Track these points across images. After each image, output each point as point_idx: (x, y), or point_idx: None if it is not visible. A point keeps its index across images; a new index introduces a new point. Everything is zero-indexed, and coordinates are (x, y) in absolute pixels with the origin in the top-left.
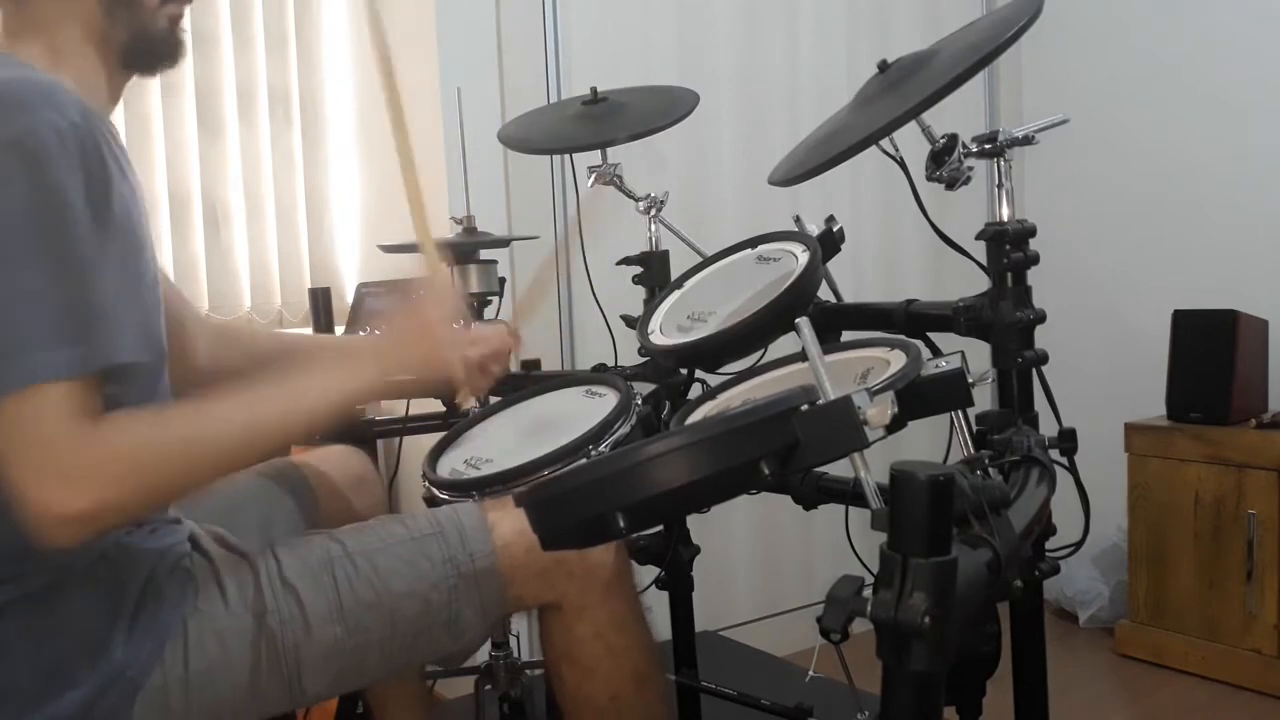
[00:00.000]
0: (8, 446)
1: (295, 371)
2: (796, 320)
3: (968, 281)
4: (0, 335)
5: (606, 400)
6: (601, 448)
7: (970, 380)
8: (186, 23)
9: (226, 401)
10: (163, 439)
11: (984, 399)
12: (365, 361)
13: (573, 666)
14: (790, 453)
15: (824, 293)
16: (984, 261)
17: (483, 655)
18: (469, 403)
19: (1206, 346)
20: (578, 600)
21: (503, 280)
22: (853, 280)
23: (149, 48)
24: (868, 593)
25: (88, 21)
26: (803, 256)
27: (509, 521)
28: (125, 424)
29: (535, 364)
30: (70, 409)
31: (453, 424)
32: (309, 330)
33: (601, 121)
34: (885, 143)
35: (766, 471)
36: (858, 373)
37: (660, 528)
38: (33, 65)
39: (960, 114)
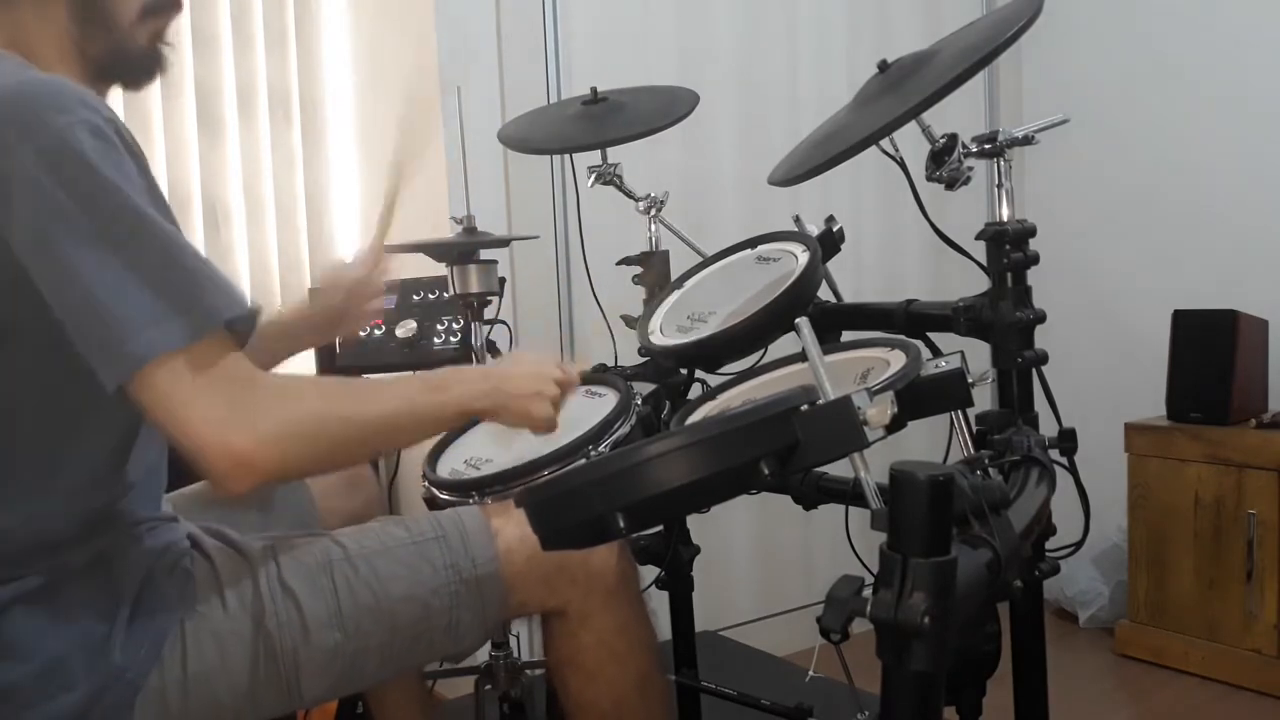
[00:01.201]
0: (163, 414)
1: (436, 374)
2: (796, 320)
3: (968, 281)
4: (113, 320)
5: (606, 400)
6: (601, 448)
7: (970, 380)
8: (184, 30)
9: (374, 390)
10: (325, 406)
11: (984, 399)
12: (483, 380)
13: (576, 672)
14: (790, 453)
15: (824, 293)
16: (984, 261)
17: (483, 655)
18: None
19: (1206, 346)
20: (581, 606)
21: (503, 280)
22: (853, 280)
23: (126, 64)
24: (868, 593)
25: (61, 35)
26: (803, 256)
27: (512, 527)
28: (296, 384)
29: None
30: (215, 362)
31: None
32: None
33: (601, 121)
34: (885, 143)
35: (766, 471)
36: (858, 373)
37: (660, 528)
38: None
39: (960, 114)
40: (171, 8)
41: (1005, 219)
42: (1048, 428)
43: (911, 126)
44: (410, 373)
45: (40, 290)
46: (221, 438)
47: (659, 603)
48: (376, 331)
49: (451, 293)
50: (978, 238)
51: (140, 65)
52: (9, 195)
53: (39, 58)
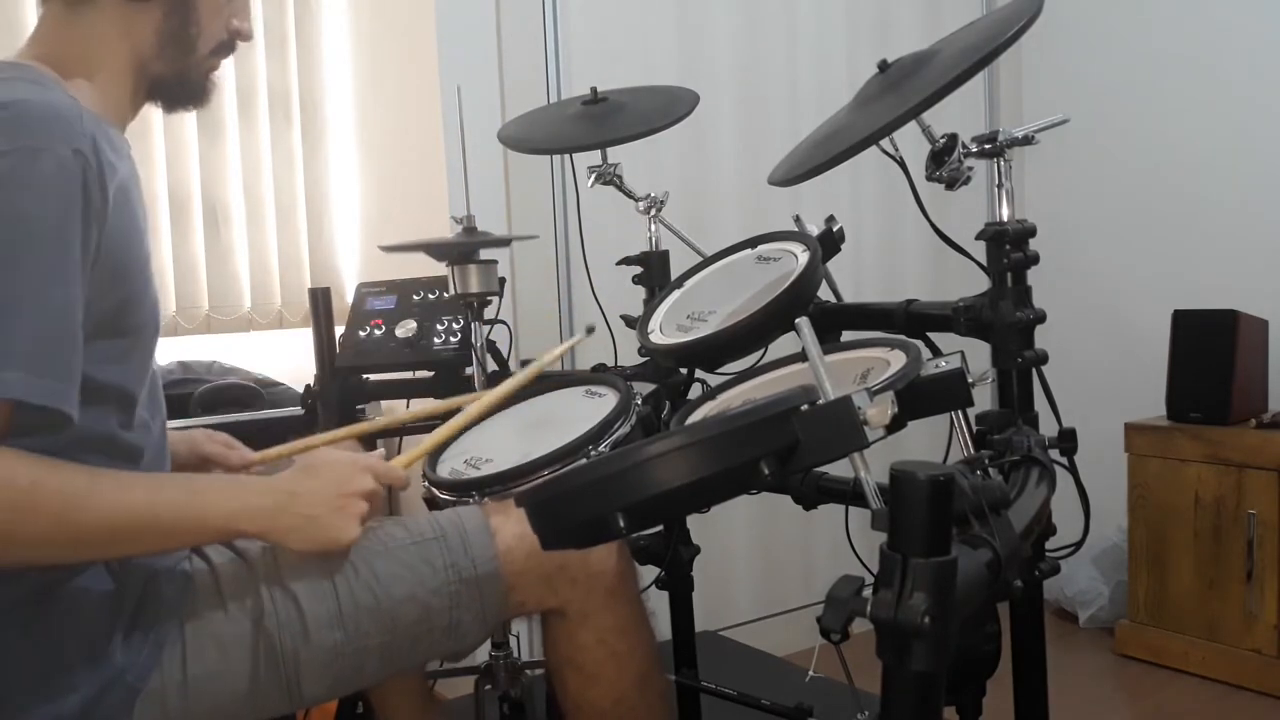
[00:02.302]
0: None
1: (205, 479)
2: (796, 320)
3: (968, 281)
4: None
5: (606, 400)
6: (601, 448)
7: (970, 380)
8: (222, 75)
9: (130, 478)
10: (55, 487)
11: (984, 399)
12: (265, 494)
13: (576, 672)
14: (790, 453)
15: (824, 293)
16: (984, 261)
17: (483, 655)
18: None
19: (1206, 346)
20: (581, 606)
21: (503, 280)
22: (853, 280)
23: (181, 89)
24: (868, 593)
25: (137, 49)
26: (803, 256)
27: (511, 526)
28: (18, 458)
29: None
30: None
31: None
32: (309, 330)
33: (601, 121)
34: (885, 143)
35: (766, 471)
36: (858, 373)
37: (660, 528)
38: (55, 80)
39: (960, 114)
40: (233, 49)
41: (1005, 219)
42: (1048, 428)
43: (911, 126)
44: (182, 476)
45: None
46: None
47: (659, 603)
48: (376, 331)
49: (451, 293)
50: (978, 238)
51: (192, 93)
52: None
53: (94, 63)
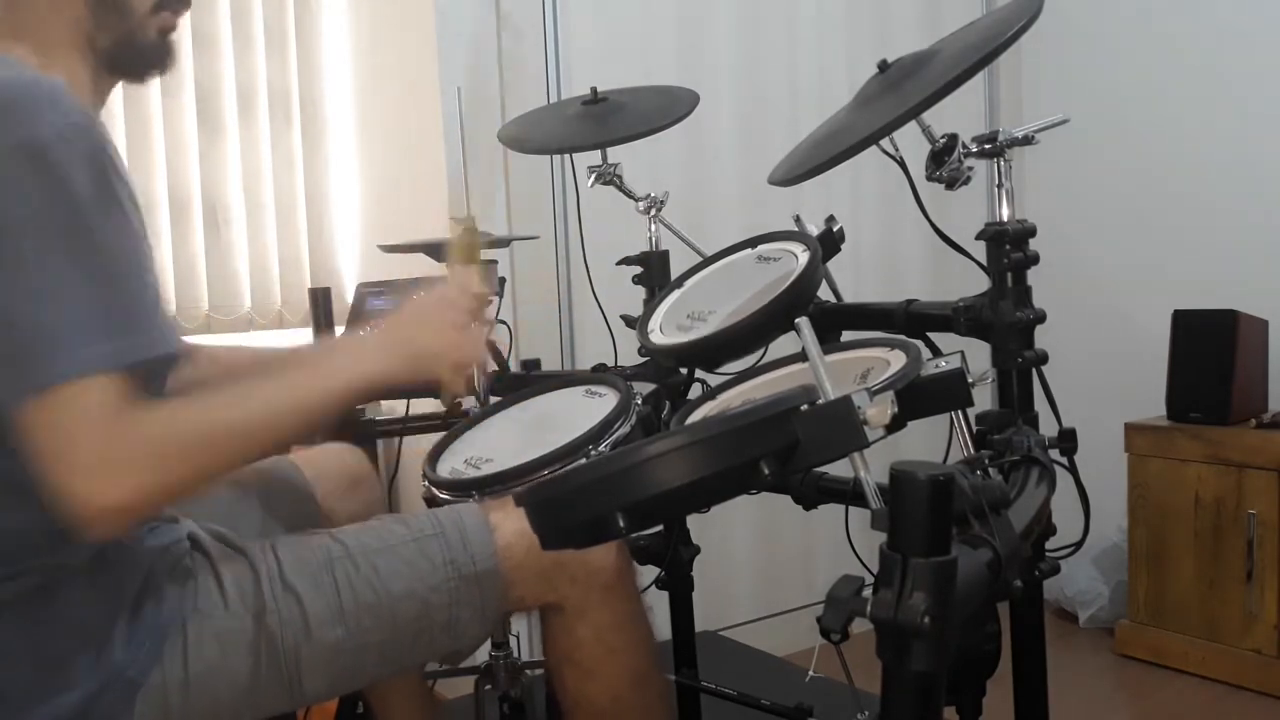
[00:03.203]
0: (49, 441)
1: (310, 360)
2: (796, 320)
3: (968, 281)
4: (40, 332)
5: (606, 400)
6: (601, 448)
7: (970, 380)
8: (184, 30)
9: (248, 389)
10: (196, 426)
11: (984, 399)
12: (372, 350)
13: (574, 668)
14: (790, 453)
15: (824, 293)
16: (984, 261)
17: (483, 655)
18: (451, 402)
19: (1206, 346)
20: (579, 602)
21: (503, 280)
22: (853, 280)
23: (136, 55)
24: (868, 593)
25: (74, 24)
26: (803, 256)
27: (510, 523)
28: (160, 412)
29: (535, 364)
30: (111, 401)
31: (453, 424)
32: (309, 330)
33: (601, 121)
34: (885, 143)
35: (766, 471)
36: (858, 373)
37: (660, 528)
38: (27, 65)
39: (960, 114)
40: (183, 2)
41: (1005, 219)
42: (1048, 428)
43: (911, 126)
44: (301, 350)
45: None
46: (84, 487)
47: (659, 603)
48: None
49: None
50: (978, 238)
51: (149, 58)
52: None
53: (47, 49)
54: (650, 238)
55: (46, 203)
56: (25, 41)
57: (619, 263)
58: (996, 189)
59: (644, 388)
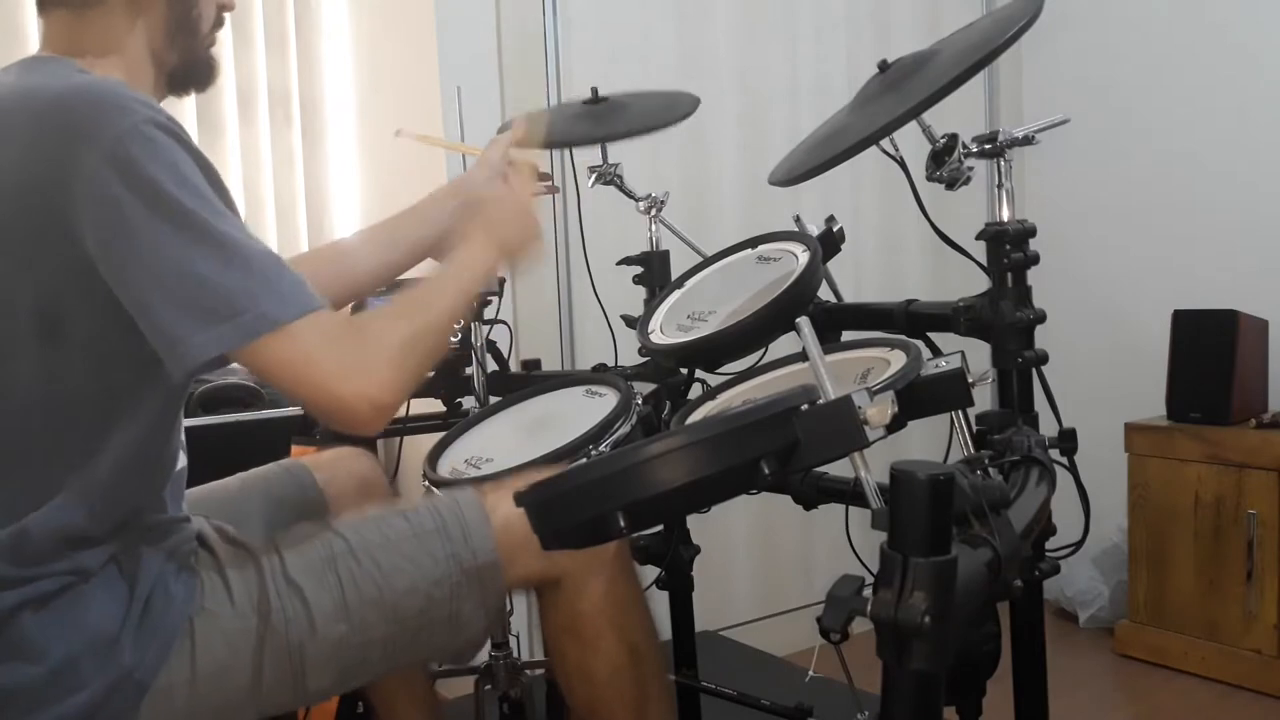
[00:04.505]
0: (304, 367)
1: (460, 256)
2: (796, 320)
3: (968, 281)
4: (250, 280)
5: (606, 400)
6: (601, 448)
7: (970, 380)
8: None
9: (425, 295)
10: (408, 329)
11: (984, 399)
12: (480, 249)
13: (574, 640)
14: (790, 453)
15: (824, 293)
16: (984, 261)
17: (483, 655)
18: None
19: (1206, 346)
20: (579, 575)
21: (502, 280)
22: (853, 280)
23: (195, 71)
24: (868, 592)
25: (151, 42)
26: (803, 256)
27: (508, 503)
28: (374, 324)
29: (535, 364)
30: (339, 322)
31: (453, 424)
32: None
33: (602, 121)
34: (885, 143)
35: (766, 471)
36: (858, 373)
37: (660, 527)
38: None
39: (960, 114)
40: (223, 23)
41: (1005, 219)
42: (1048, 428)
43: (912, 126)
44: (437, 265)
45: (110, 283)
46: (354, 389)
47: (659, 603)
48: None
49: None
50: (978, 238)
51: (204, 74)
52: (73, 196)
53: (127, 64)
54: (650, 238)
55: (180, 180)
56: (107, 57)
57: (619, 263)
58: (996, 189)
59: (644, 388)
